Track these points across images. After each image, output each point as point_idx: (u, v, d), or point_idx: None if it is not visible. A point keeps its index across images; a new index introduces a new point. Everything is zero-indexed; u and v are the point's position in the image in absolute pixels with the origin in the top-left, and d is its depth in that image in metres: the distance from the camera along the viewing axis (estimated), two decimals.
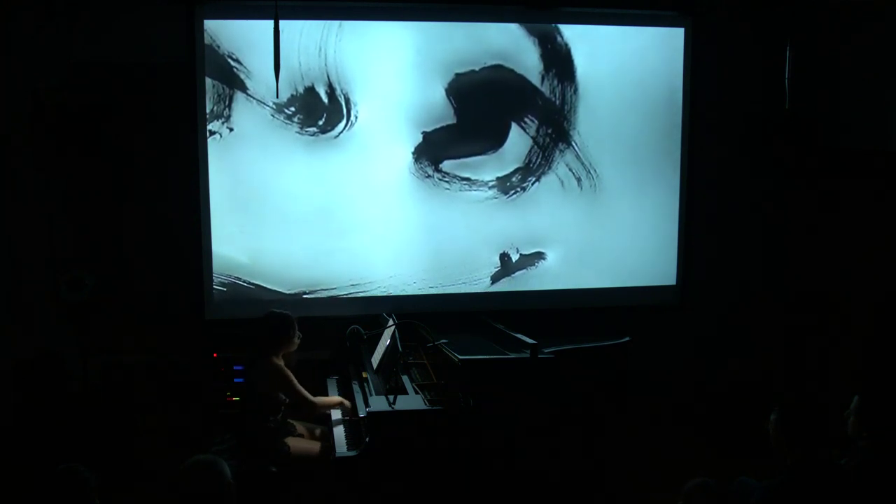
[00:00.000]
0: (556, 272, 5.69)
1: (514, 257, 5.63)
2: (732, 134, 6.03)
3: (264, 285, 5.35)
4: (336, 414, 4.52)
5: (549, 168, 5.62)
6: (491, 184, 5.56)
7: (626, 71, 5.63)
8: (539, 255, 5.67)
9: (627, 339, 5.00)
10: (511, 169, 5.58)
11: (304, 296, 5.39)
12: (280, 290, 5.37)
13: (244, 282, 5.33)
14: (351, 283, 5.43)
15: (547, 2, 5.53)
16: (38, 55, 5.18)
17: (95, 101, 5.24)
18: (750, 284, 6.15)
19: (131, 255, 5.39)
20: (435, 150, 5.45)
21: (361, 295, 5.45)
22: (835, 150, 5.83)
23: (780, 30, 5.42)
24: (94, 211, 5.34)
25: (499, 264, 5.62)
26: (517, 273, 5.65)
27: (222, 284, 5.32)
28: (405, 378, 4.49)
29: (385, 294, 5.47)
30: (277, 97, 5.02)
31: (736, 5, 5.89)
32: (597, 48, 5.59)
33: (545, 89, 5.57)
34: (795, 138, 5.96)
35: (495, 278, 5.63)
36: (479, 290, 5.60)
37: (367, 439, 4.04)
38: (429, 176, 5.46)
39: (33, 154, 5.23)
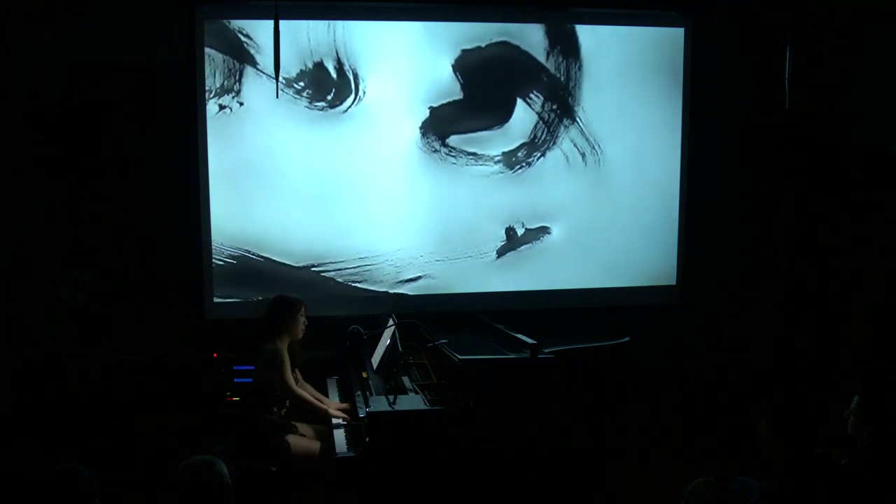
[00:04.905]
0: (561, 247, 5.70)
1: (520, 231, 5.65)
2: (733, 133, 6.03)
3: (273, 258, 5.37)
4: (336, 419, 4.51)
5: (554, 143, 5.64)
6: (497, 159, 5.58)
7: (630, 48, 5.65)
8: (544, 230, 5.68)
9: (627, 339, 5.00)
10: (516, 144, 5.60)
11: (313, 269, 5.42)
12: (289, 262, 5.39)
13: (253, 255, 5.35)
14: (358, 255, 5.46)
15: (548, 2, 5.54)
16: (37, 55, 5.18)
17: (95, 101, 5.25)
18: (750, 284, 6.15)
19: (131, 255, 5.38)
20: (442, 125, 5.48)
21: (369, 267, 5.47)
22: (835, 150, 5.83)
23: (780, 30, 5.42)
24: (94, 211, 5.34)
25: (504, 238, 5.64)
26: (522, 247, 5.67)
27: (232, 258, 5.34)
28: (405, 378, 4.49)
29: (392, 266, 5.49)
30: (277, 97, 5.02)
31: (736, 5, 5.89)
32: (601, 26, 5.61)
33: (550, 66, 5.59)
34: (795, 138, 5.96)
35: (501, 252, 5.65)
36: (479, 290, 5.61)
37: (367, 439, 4.04)
38: (436, 150, 5.49)
39: (33, 154, 5.23)
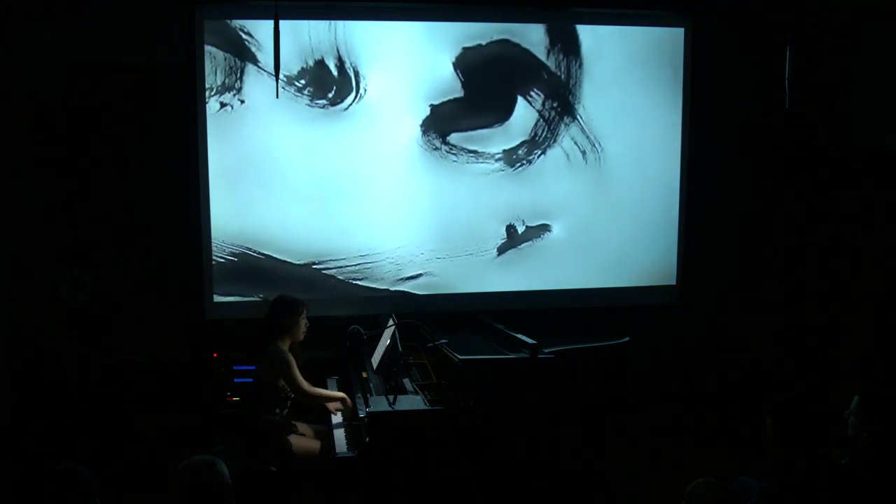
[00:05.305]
0: (561, 245, 5.71)
1: (521, 229, 5.66)
2: (733, 133, 6.03)
3: (274, 255, 5.38)
4: (337, 417, 4.51)
5: (555, 141, 5.65)
6: (497, 156, 5.60)
7: (630, 48, 5.66)
8: (545, 228, 5.69)
9: (627, 339, 5.00)
10: (517, 142, 5.62)
11: (314, 266, 5.42)
12: (289, 260, 5.40)
13: (254, 252, 5.36)
14: (359, 253, 5.47)
15: (548, 2, 5.55)
16: (37, 55, 5.18)
17: (95, 101, 5.24)
18: (750, 284, 6.15)
19: (131, 255, 5.39)
20: (442, 123, 5.49)
21: (369, 265, 5.48)
22: (835, 150, 5.83)
23: (780, 30, 5.42)
24: (94, 211, 5.34)
25: (505, 236, 5.65)
26: (523, 245, 5.68)
27: (233, 255, 5.35)
28: (405, 378, 4.49)
29: (393, 264, 5.50)
30: (277, 97, 5.03)
31: (736, 5, 5.89)
32: (601, 26, 5.63)
33: (551, 63, 5.60)
34: (795, 138, 5.96)
35: (501, 250, 5.66)
36: (479, 289, 5.62)
37: (367, 440, 4.04)
38: (436, 148, 5.50)
39: (33, 154, 5.23)
